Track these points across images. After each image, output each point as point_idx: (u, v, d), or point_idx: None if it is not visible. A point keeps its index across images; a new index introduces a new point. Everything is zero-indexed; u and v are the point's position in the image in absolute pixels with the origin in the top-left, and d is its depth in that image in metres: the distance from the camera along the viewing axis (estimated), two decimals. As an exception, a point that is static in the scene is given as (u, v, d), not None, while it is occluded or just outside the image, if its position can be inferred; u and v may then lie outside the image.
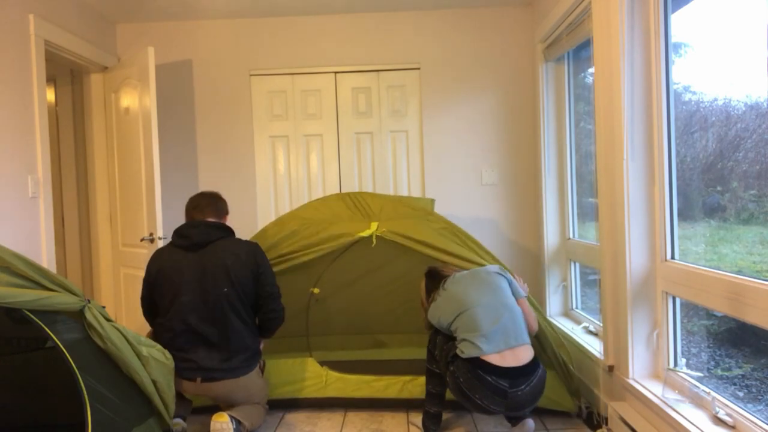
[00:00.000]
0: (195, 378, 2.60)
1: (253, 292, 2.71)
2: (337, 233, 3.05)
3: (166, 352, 2.37)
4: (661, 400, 2.23)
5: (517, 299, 2.63)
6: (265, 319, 2.78)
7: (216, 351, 2.62)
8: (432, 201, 3.37)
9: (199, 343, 2.62)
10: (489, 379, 2.35)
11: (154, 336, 2.69)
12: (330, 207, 3.20)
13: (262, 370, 2.87)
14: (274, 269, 2.88)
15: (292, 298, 3.38)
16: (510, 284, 2.65)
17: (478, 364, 2.38)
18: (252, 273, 2.69)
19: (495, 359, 2.38)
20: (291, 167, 4.18)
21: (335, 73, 4.14)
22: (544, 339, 2.86)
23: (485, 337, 2.41)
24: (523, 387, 2.37)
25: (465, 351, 2.42)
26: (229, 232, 2.79)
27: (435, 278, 2.81)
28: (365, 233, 3.00)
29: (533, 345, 2.57)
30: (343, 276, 3.49)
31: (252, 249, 2.73)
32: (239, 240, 2.77)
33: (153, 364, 2.23)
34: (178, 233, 2.74)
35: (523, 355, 2.43)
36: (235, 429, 2.52)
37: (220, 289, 2.62)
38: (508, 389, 2.35)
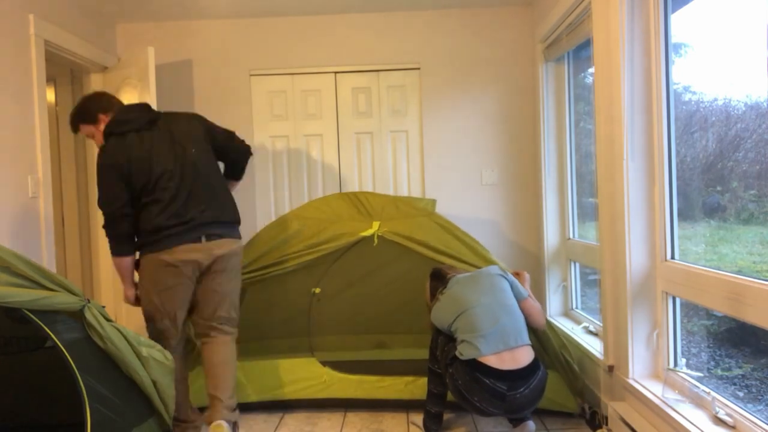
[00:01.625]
0: (199, 237, 2.62)
1: (212, 148, 2.78)
2: (339, 233, 3.04)
3: (166, 352, 2.37)
4: (661, 400, 2.23)
5: (520, 300, 2.62)
6: (235, 158, 2.87)
7: (209, 209, 2.66)
8: (433, 202, 3.36)
9: (191, 202, 2.64)
10: (487, 381, 2.35)
11: (145, 223, 2.62)
12: (331, 206, 3.19)
13: None
14: (278, 270, 2.86)
15: (295, 298, 3.38)
16: (512, 286, 2.65)
17: (476, 366, 2.38)
18: (204, 131, 2.76)
19: (493, 361, 2.38)
20: (291, 167, 4.18)
21: (335, 73, 4.14)
22: (546, 340, 2.85)
23: (483, 338, 2.41)
24: (521, 390, 2.36)
25: (464, 352, 2.41)
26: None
27: (439, 279, 2.81)
28: (367, 233, 3.00)
29: (534, 346, 2.56)
30: (345, 276, 3.48)
31: (192, 115, 2.82)
32: (177, 112, 2.83)
33: (153, 364, 2.23)
34: (119, 121, 2.66)
35: (522, 357, 2.42)
36: None
37: (189, 152, 2.67)
38: (506, 392, 2.35)
